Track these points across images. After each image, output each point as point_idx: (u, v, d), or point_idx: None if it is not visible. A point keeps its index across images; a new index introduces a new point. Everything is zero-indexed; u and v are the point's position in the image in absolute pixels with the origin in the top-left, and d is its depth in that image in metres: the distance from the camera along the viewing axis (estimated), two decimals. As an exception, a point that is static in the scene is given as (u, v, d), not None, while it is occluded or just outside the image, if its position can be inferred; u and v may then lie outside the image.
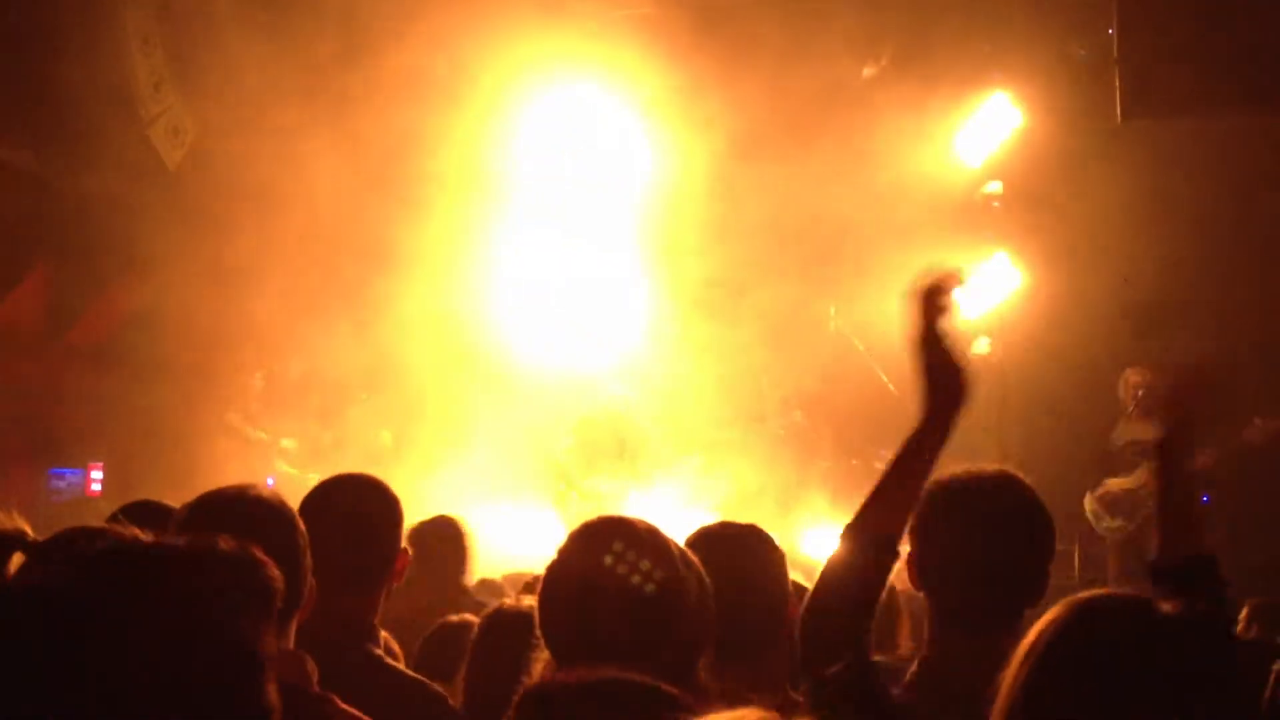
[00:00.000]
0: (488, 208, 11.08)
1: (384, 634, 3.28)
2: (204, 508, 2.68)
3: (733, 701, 1.53)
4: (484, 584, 5.58)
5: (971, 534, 2.83)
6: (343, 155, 10.30)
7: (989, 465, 2.99)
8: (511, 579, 6.07)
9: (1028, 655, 1.91)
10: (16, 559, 2.01)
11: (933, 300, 2.57)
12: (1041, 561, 2.87)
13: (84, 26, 10.51)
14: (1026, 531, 2.88)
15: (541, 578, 2.54)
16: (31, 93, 10.51)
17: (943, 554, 2.84)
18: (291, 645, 2.58)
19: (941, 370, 2.57)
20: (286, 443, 11.30)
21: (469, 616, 3.97)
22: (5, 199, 11.15)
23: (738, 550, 3.10)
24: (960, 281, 2.62)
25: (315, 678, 2.53)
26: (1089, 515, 9.71)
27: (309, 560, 2.67)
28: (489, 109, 10.80)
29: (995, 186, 10.98)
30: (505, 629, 3.06)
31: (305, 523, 2.74)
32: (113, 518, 3.18)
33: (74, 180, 11.23)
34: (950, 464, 2.94)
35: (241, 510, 2.66)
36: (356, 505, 3.20)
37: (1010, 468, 3.01)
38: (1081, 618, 1.89)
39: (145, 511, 3.14)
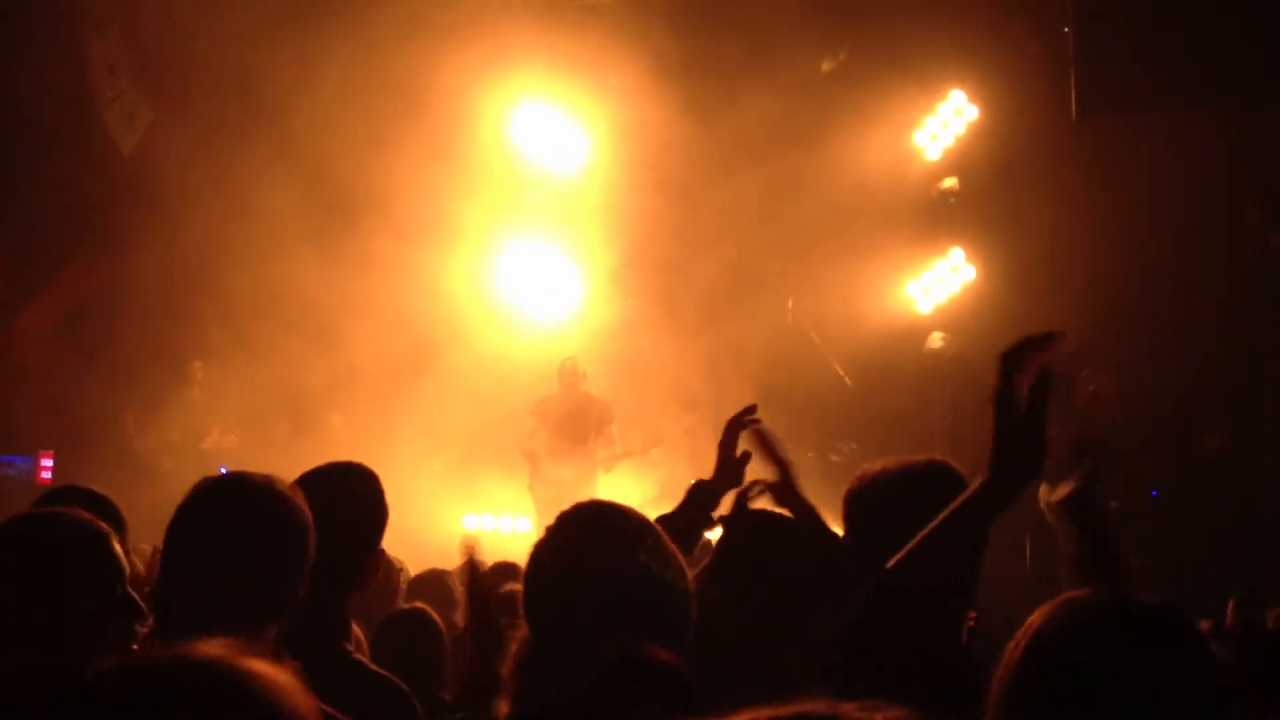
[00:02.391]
0: (447, 198, 11.01)
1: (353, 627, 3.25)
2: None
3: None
4: (430, 575, 5.55)
5: (903, 524, 2.83)
6: (297, 146, 10.24)
7: (917, 455, 2.97)
8: (494, 567, 6.06)
9: (1018, 658, 1.91)
10: None
11: (1019, 359, 2.47)
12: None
13: (37, 8, 10.39)
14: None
15: (526, 563, 2.55)
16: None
17: (876, 546, 2.84)
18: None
19: (1021, 436, 2.45)
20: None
21: (419, 604, 3.97)
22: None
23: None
24: (1053, 345, 2.52)
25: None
26: (1043, 506, 9.79)
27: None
28: (447, 102, 10.73)
29: (952, 182, 11.04)
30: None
31: None
32: (39, 502, 3.16)
33: (24, 164, 11.09)
34: (891, 456, 2.97)
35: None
36: (342, 501, 3.13)
37: (940, 456, 3.00)
38: (1069, 620, 1.90)
39: (73, 497, 3.13)
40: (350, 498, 3.13)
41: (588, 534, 2.46)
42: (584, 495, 2.67)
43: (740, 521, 3.03)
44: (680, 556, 2.54)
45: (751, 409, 3.29)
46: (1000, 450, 2.31)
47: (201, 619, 2.41)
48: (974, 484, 2.30)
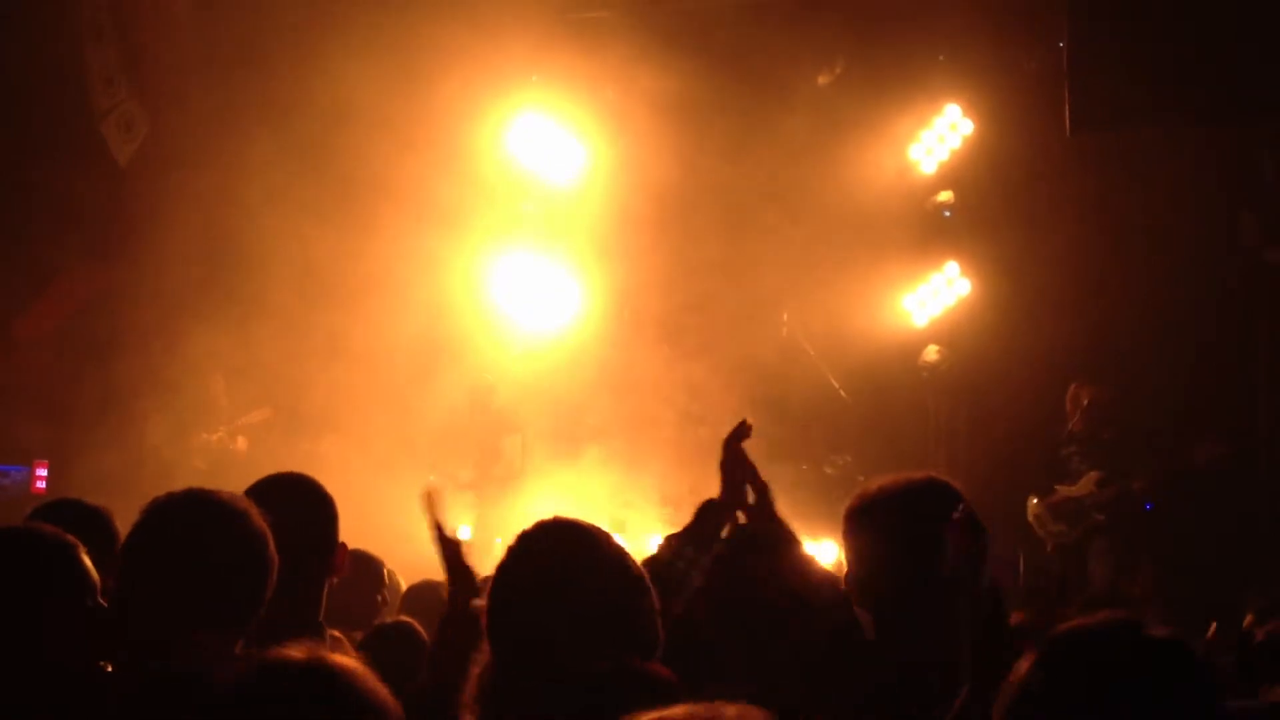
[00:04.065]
0: (441, 212, 11.02)
1: (334, 632, 3.26)
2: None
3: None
4: (425, 585, 5.55)
5: (902, 543, 2.82)
6: (293, 161, 10.25)
7: (917, 472, 2.97)
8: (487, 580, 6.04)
9: (1020, 687, 1.88)
10: None
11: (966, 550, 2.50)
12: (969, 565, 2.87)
13: (36, 16, 10.39)
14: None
15: (489, 580, 2.55)
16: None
17: (875, 565, 2.84)
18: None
19: (986, 639, 2.47)
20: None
21: (404, 618, 3.99)
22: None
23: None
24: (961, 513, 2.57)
25: None
26: (1031, 519, 9.80)
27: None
28: (443, 115, 10.73)
29: (947, 195, 11.06)
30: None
31: None
32: (33, 515, 3.18)
33: (20, 172, 11.09)
34: (894, 472, 2.96)
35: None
36: (289, 504, 3.18)
37: (936, 473, 3.00)
38: (1077, 652, 1.87)
39: (66, 510, 3.15)
40: (291, 502, 3.20)
41: (553, 553, 2.46)
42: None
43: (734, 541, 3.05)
44: (644, 572, 2.54)
45: (746, 427, 3.30)
46: (975, 660, 2.37)
47: (164, 631, 2.44)
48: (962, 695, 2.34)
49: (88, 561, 2.51)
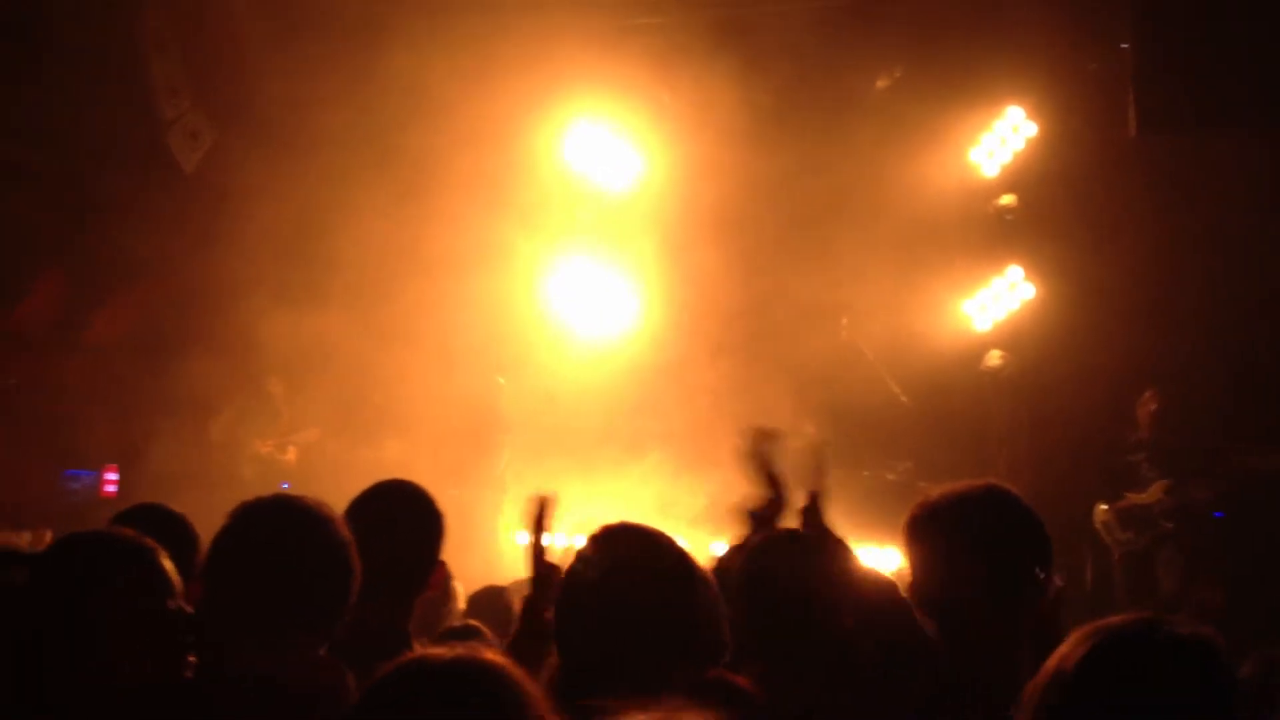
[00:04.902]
0: (503, 212, 11.08)
1: (420, 644, 3.28)
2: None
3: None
4: (489, 591, 5.58)
5: (962, 551, 2.80)
6: (360, 164, 10.35)
7: (978, 480, 2.96)
8: (521, 585, 6.07)
9: (1050, 683, 1.90)
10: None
11: None
12: (1031, 576, 2.85)
13: (100, 28, 10.56)
14: (1018, 544, 2.86)
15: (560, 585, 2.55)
16: (45, 94, 10.56)
17: (938, 574, 2.82)
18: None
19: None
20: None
21: (472, 622, 4.00)
22: (20, 201, 11.21)
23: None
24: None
25: (352, 687, 2.52)
26: (1098, 526, 9.69)
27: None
28: (499, 125, 10.79)
29: (1010, 198, 10.97)
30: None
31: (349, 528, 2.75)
32: (115, 520, 3.23)
33: (88, 182, 11.29)
34: (956, 478, 2.94)
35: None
36: (396, 513, 3.19)
37: (999, 481, 2.99)
38: (1102, 648, 1.88)
39: (145, 514, 3.19)
40: (405, 513, 3.21)
41: (621, 560, 2.45)
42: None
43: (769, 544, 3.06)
44: (713, 579, 2.54)
45: (766, 435, 3.32)
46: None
47: (246, 634, 2.47)
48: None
49: (168, 564, 2.55)
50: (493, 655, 1.63)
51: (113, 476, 11.35)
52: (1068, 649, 1.93)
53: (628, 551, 2.50)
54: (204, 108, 11.54)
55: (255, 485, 10.65)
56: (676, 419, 10.82)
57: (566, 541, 10.49)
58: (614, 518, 2.68)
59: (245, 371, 10.92)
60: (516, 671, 1.59)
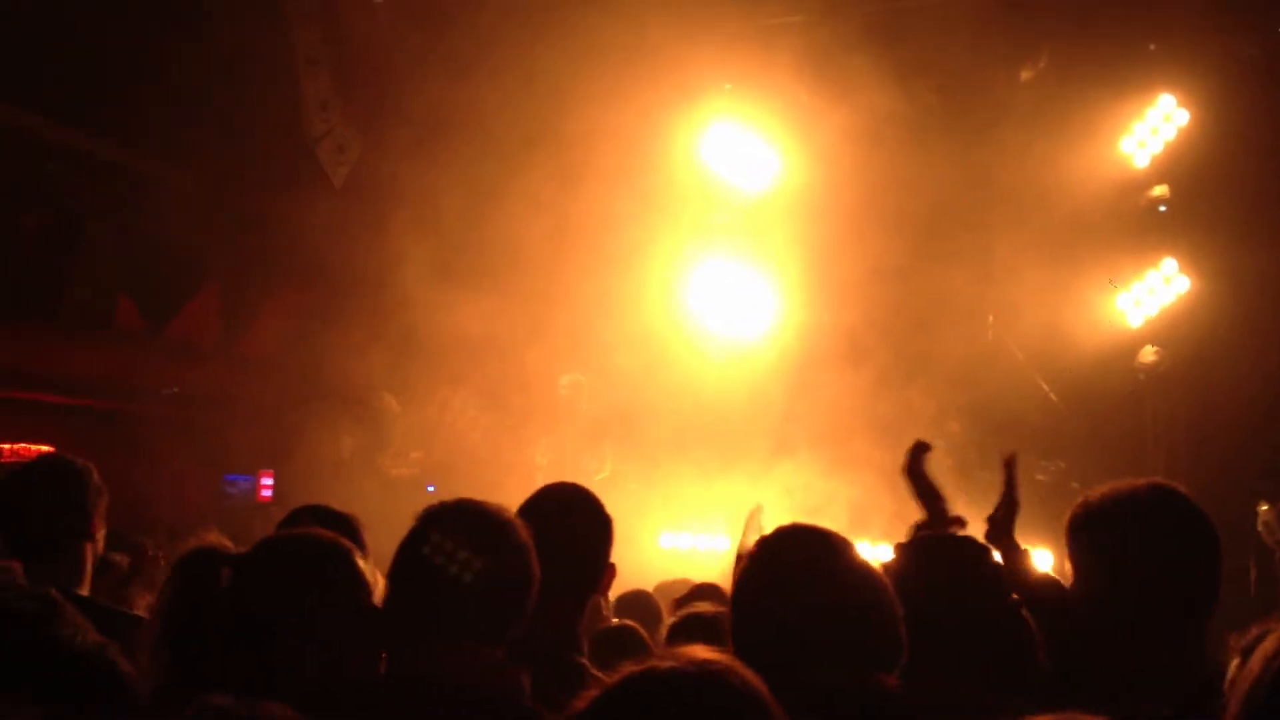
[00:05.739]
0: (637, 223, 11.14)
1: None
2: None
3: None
4: (636, 594, 5.61)
5: (1129, 551, 2.74)
6: (506, 170, 10.50)
7: (1140, 479, 2.88)
8: (664, 588, 6.11)
9: (1256, 685, 1.84)
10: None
11: None
12: (1206, 575, 2.78)
13: (252, 49, 10.89)
14: (1188, 545, 2.79)
15: (734, 584, 2.56)
16: (201, 113, 10.93)
17: (1104, 574, 2.77)
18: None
19: None
20: None
21: (629, 622, 4.02)
22: (179, 218, 11.64)
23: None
24: None
25: (528, 689, 2.56)
26: (1260, 527, 9.34)
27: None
28: (636, 127, 10.84)
29: (1162, 190, 10.65)
30: (694, 632, 3.12)
31: None
32: (285, 522, 3.31)
33: (244, 198, 11.66)
34: (1110, 478, 2.88)
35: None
36: (570, 516, 3.23)
37: (1164, 479, 2.90)
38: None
39: (313, 516, 3.26)
40: (577, 515, 3.24)
41: (797, 561, 2.44)
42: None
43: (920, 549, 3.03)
44: (888, 581, 2.51)
45: (923, 446, 3.30)
46: None
47: (428, 638, 2.52)
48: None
49: (363, 564, 2.62)
50: (730, 661, 1.65)
51: (268, 481, 11.71)
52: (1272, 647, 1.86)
53: (804, 552, 2.49)
54: (352, 120, 11.85)
55: (401, 485, 10.95)
56: (819, 420, 10.74)
57: (691, 542, 10.55)
58: (774, 521, 2.68)
59: (402, 372, 11.15)
60: (747, 674, 1.62)
